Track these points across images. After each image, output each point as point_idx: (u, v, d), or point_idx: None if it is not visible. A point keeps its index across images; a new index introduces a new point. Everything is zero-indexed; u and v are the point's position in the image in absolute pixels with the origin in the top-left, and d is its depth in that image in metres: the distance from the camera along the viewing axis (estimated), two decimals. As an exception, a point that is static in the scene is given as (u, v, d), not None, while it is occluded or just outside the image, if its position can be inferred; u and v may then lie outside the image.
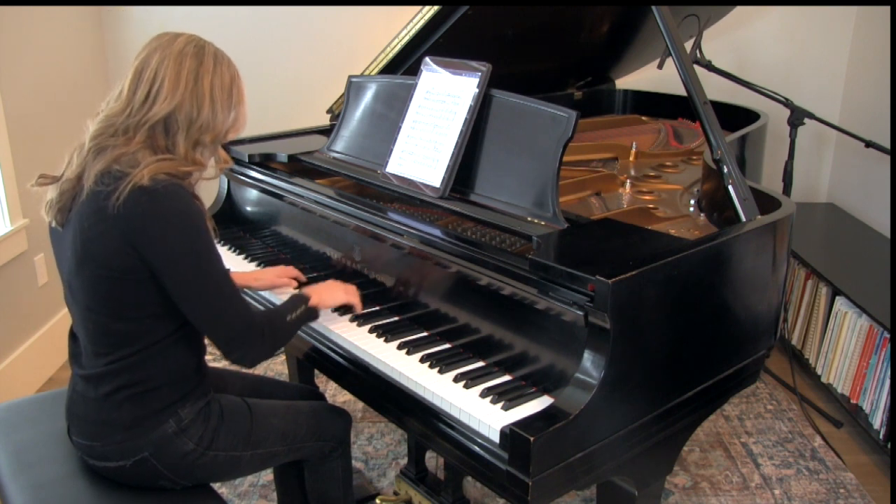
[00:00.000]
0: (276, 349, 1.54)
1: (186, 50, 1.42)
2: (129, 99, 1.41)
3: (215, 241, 1.45)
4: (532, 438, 1.19)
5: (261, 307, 1.88)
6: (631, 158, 2.41)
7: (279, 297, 1.85)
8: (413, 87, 1.87)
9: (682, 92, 1.74)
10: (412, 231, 1.67)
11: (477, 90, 1.73)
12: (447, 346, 1.61)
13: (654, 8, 1.71)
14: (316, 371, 2.47)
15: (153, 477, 1.48)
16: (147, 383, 1.44)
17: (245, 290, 1.90)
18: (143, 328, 1.42)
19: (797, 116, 2.85)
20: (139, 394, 1.44)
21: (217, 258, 1.42)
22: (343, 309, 1.76)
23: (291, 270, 1.92)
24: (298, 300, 1.62)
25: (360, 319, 1.71)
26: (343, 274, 1.90)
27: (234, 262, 2.07)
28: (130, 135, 1.40)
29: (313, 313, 1.64)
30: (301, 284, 1.91)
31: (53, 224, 1.46)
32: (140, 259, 1.35)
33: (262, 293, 1.91)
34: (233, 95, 1.48)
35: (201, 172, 1.47)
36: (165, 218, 1.35)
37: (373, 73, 2.30)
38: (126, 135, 1.40)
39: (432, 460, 2.36)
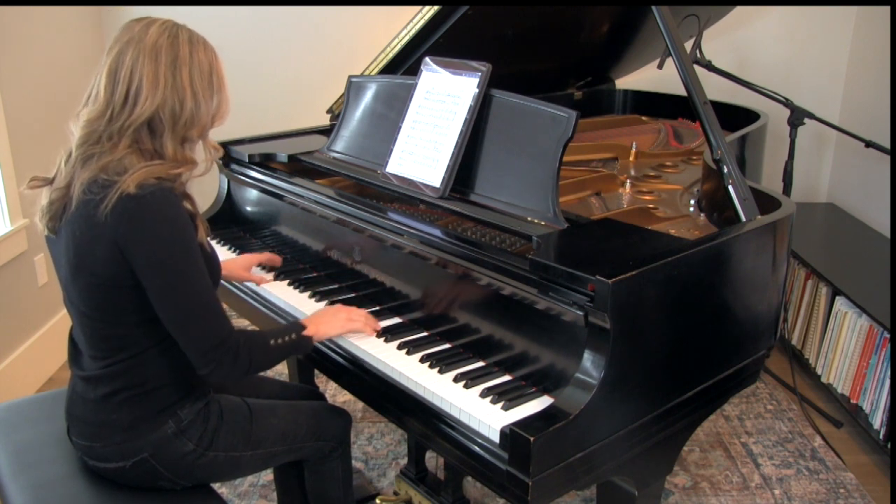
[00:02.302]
0: (254, 371, 1.48)
1: (160, 42, 1.36)
2: (107, 101, 1.36)
3: (210, 243, 1.44)
4: (532, 438, 1.19)
5: (279, 319, 1.84)
6: (631, 158, 2.40)
7: (288, 303, 1.84)
8: (413, 87, 1.87)
9: (682, 92, 1.74)
10: (412, 231, 1.67)
11: (477, 90, 1.73)
12: (447, 346, 1.61)
13: (654, 8, 1.71)
14: (316, 371, 2.48)
15: (153, 478, 1.48)
16: (146, 385, 1.44)
17: (266, 303, 1.90)
18: (140, 332, 1.41)
19: (797, 116, 2.85)
20: (138, 395, 1.44)
21: (198, 270, 1.38)
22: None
23: (261, 257, 1.94)
24: (291, 328, 1.57)
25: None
26: (343, 274, 1.90)
27: (234, 262, 2.06)
28: (115, 140, 1.36)
29: (304, 343, 1.56)
30: (306, 280, 1.91)
31: (46, 232, 1.45)
32: (128, 265, 1.34)
33: (271, 300, 1.89)
34: (213, 82, 1.43)
35: (192, 170, 1.44)
36: (150, 224, 1.32)
37: (373, 73, 2.30)
38: (111, 140, 1.37)
39: (432, 460, 2.36)
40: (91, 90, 1.40)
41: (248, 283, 1.96)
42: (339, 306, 1.69)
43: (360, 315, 1.64)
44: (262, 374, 1.80)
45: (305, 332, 1.56)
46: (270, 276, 1.95)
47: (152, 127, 1.38)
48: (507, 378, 1.47)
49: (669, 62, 1.87)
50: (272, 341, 1.50)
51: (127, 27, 1.40)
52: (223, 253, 2.14)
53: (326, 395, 2.04)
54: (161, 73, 1.36)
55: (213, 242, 2.07)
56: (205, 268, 1.40)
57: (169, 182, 1.37)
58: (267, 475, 2.38)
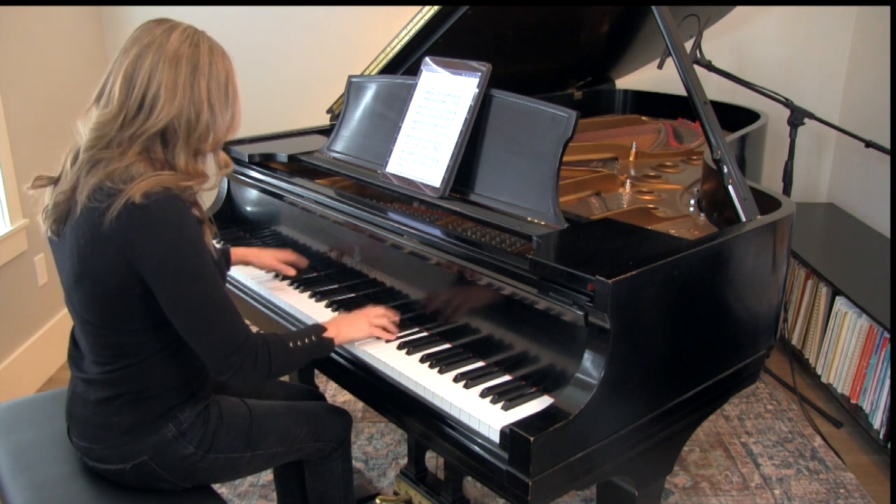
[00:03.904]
0: (275, 375, 1.46)
1: (182, 51, 1.34)
2: (121, 105, 1.33)
3: (215, 246, 1.43)
4: (532, 438, 1.19)
5: (290, 326, 1.81)
6: (631, 158, 2.40)
7: (288, 303, 1.83)
8: (413, 87, 1.87)
9: (682, 92, 1.74)
10: (412, 231, 1.67)
11: (477, 90, 1.73)
12: (447, 346, 1.61)
13: (654, 8, 1.71)
14: (316, 371, 2.48)
15: (153, 480, 1.47)
16: (147, 391, 1.43)
17: (266, 303, 1.90)
18: (143, 339, 1.40)
19: (797, 116, 2.85)
20: (139, 399, 1.44)
21: (210, 274, 1.36)
22: (346, 309, 1.76)
23: (290, 254, 1.91)
24: (311, 329, 1.55)
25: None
26: (343, 274, 1.90)
27: (234, 262, 2.06)
28: (125, 147, 1.33)
29: (326, 345, 1.54)
30: (306, 280, 1.90)
31: (49, 234, 1.43)
32: (135, 275, 1.33)
33: (271, 299, 1.89)
34: (229, 93, 1.41)
35: (202, 183, 1.41)
36: (158, 232, 1.30)
37: (373, 73, 2.30)
38: (120, 147, 1.33)
39: (432, 460, 2.36)
40: (103, 89, 1.37)
41: (249, 284, 1.95)
42: (358, 311, 1.65)
43: (379, 314, 1.63)
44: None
45: (326, 335, 1.55)
46: (285, 283, 1.92)
47: (166, 137, 1.36)
48: (507, 378, 1.48)
49: (669, 62, 1.87)
50: (291, 343, 1.49)
51: (147, 29, 1.37)
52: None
53: (326, 395, 2.04)
54: (180, 82, 1.33)
55: (214, 242, 2.07)
56: (216, 271, 1.39)
57: (176, 190, 1.34)
58: (267, 475, 2.38)
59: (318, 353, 1.56)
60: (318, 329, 1.56)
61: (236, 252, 1.91)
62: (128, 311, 1.37)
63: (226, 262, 1.85)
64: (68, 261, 1.39)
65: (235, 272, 2.00)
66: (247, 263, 1.94)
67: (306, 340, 1.51)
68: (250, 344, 1.40)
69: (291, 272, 1.91)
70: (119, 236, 1.30)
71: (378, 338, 1.63)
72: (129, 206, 1.29)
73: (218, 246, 1.71)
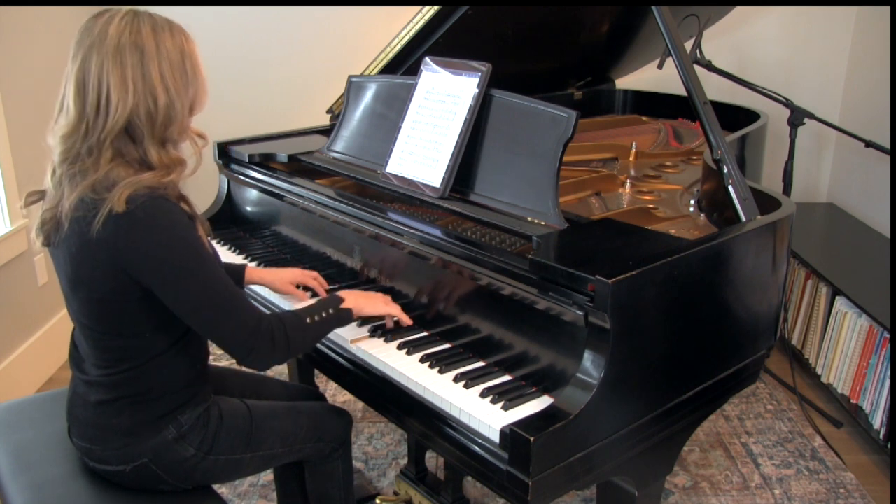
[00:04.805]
0: (295, 353, 1.46)
1: (123, 41, 1.29)
2: (79, 114, 1.31)
3: (211, 242, 1.42)
4: (532, 438, 1.19)
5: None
6: (631, 158, 2.40)
7: (289, 304, 1.82)
8: (413, 87, 1.87)
9: (682, 92, 1.74)
10: (412, 231, 1.67)
11: (477, 90, 1.73)
12: (447, 346, 1.61)
13: (654, 8, 1.71)
14: (316, 371, 2.48)
15: (153, 481, 1.47)
16: (148, 394, 1.43)
17: (266, 303, 1.88)
18: (142, 343, 1.40)
19: (797, 116, 2.85)
20: (140, 402, 1.44)
21: (210, 267, 1.35)
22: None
23: (310, 276, 1.83)
24: (328, 302, 1.54)
25: (360, 320, 1.70)
26: (343, 274, 1.90)
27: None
28: (96, 155, 1.31)
29: (345, 315, 1.54)
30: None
31: (42, 246, 1.42)
32: (132, 280, 1.32)
33: (272, 299, 1.87)
34: (186, 70, 1.35)
35: (182, 171, 1.38)
36: (147, 237, 1.29)
37: (373, 73, 2.30)
38: (91, 156, 1.31)
39: (432, 460, 2.36)
40: (62, 101, 1.35)
41: (251, 285, 1.94)
42: (372, 293, 1.66)
43: (391, 301, 1.65)
44: (262, 374, 1.80)
45: (344, 305, 1.54)
46: (307, 294, 1.85)
47: (132, 134, 1.33)
48: (506, 378, 1.48)
49: (669, 62, 1.87)
50: (308, 319, 1.49)
51: (86, 29, 1.33)
52: (223, 253, 2.14)
53: (326, 396, 2.04)
54: (129, 75, 1.30)
55: (213, 242, 2.07)
56: (215, 262, 1.39)
57: (160, 189, 1.32)
58: (267, 475, 2.38)
59: (337, 325, 1.56)
60: (336, 300, 1.55)
61: (251, 274, 1.84)
62: (125, 315, 1.37)
63: (239, 279, 1.82)
64: (63, 268, 1.39)
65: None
66: (262, 285, 1.87)
67: (324, 314, 1.51)
68: (265, 325, 1.40)
69: (304, 296, 1.82)
70: (109, 245, 1.29)
71: (378, 338, 1.63)
72: (115, 216, 1.27)
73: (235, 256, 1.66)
